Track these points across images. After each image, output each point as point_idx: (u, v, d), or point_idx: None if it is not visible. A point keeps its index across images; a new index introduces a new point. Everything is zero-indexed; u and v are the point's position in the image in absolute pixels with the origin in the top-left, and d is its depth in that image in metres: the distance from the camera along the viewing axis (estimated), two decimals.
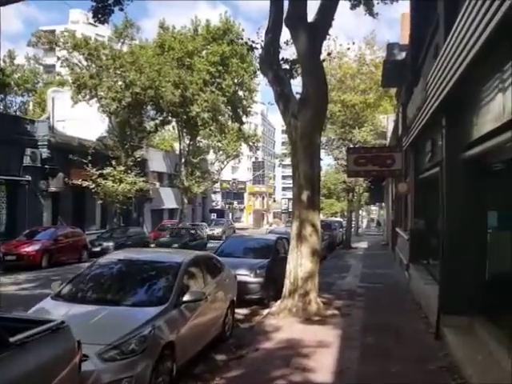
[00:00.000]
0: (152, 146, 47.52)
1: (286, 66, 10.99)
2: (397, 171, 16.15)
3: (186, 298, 6.31)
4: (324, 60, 10.89)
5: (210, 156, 55.30)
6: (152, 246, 28.10)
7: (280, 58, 10.84)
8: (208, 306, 7.22)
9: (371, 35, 29.59)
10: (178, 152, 39.10)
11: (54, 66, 49.45)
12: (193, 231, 27.69)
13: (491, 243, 7.42)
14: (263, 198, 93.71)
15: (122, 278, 7.02)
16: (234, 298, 8.88)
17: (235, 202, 62.96)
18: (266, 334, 8.35)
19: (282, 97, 9.87)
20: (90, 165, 26.13)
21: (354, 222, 44.49)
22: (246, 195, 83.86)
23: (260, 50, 10.89)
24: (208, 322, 7.30)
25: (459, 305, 7.41)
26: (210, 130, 40.26)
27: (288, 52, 13.16)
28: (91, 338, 5.19)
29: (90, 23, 41.22)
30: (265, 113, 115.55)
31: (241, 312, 10.55)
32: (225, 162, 57.71)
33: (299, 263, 9.55)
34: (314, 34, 9.29)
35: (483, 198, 7.45)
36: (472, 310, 7.29)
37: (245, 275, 11.17)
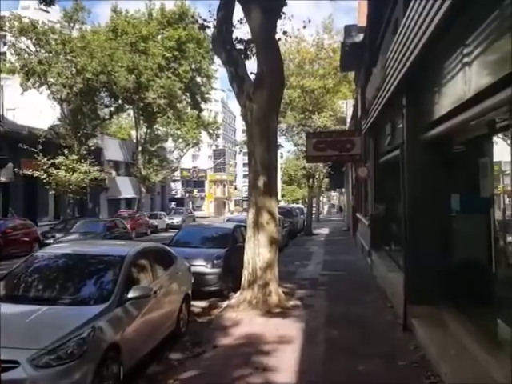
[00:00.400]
0: (108, 135, 46.23)
1: (241, 47, 10.44)
2: (356, 156, 15.91)
3: (130, 294, 5.72)
4: (279, 39, 10.36)
5: (169, 144, 54.32)
6: None
7: (234, 37, 10.29)
8: (158, 302, 6.68)
9: (329, 19, 29.34)
10: (135, 140, 38.04)
11: (5, 53, 47.22)
12: (110, 224, 22.87)
13: (454, 227, 7.17)
14: (224, 186, 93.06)
15: (60, 273, 6.33)
16: (189, 292, 8.36)
17: (195, 191, 62.10)
18: (224, 329, 7.88)
19: (236, 78, 9.34)
20: (40, 154, 24.93)
21: (314, 209, 44.54)
22: (206, 183, 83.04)
23: (212, 30, 10.31)
24: (159, 319, 6.76)
25: (426, 294, 7.13)
26: (168, 117, 39.42)
27: (242, 31, 12.57)
28: (23, 341, 4.66)
29: (42, 9, 39.08)
30: (225, 100, 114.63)
31: (198, 305, 10.06)
32: (184, 150, 56.80)
33: (257, 252, 9.11)
34: (268, 9, 8.77)
35: (445, 181, 7.18)
36: (439, 299, 7.02)
37: (201, 266, 10.67)
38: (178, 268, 8.05)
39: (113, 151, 38.05)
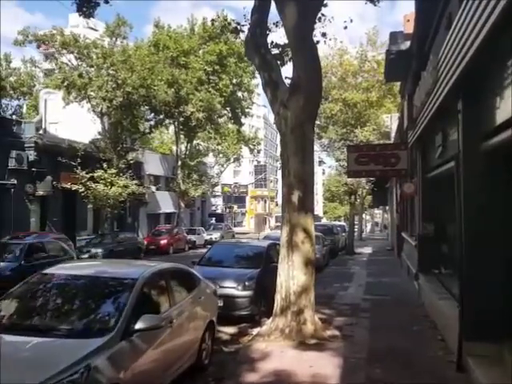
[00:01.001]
0: (150, 150, 46.44)
1: (276, 51, 9.69)
2: (402, 171, 14.80)
3: (138, 325, 4.87)
4: (318, 42, 9.53)
5: (210, 159, 54.14)
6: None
7: (269, 42, 9.56)
8: (176, 331, 5.86)
9: (373, 30, 28.34)
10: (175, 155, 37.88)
11: (53, 70, 48.46)
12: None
13: None
14: (265, 202, 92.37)
15: (59, 298, 5.56)
16: (214, 318, 7.53)
17: (235, 206, 61.54)
18: (251, 363, 6.99)
19: (270, 83, 8.56)
20: (79, 167, 24.91)
21: (357, 227, 43.07)
22: (247, 199, 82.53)
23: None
24: (176, 351, 5.93)
25: (486, 329, 6.02)
26: (209, 132, 39.14)
27: (278, 34, 11.81)
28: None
29: (90, 27, 40.00)
30: (267, 116, 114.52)
31: (227, 331, 9.24)
32: (225, 165, 56.51)
33: (291, 275, 8.21)
34: (305, 7, 7.98)
35: (510, 196, 6.11)
36: (502, 336, 5.90)
37: (231, 288, 9.87)
38: (201, 291, 7.24)
39: (153, 166, 38.01)
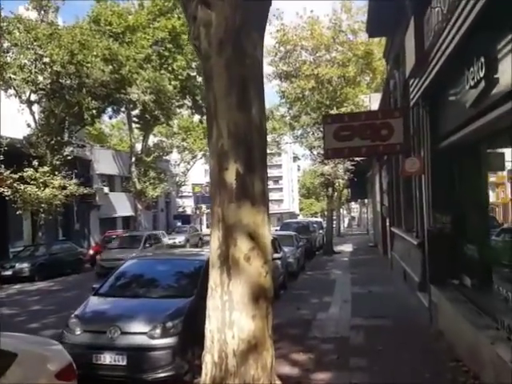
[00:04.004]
0: (108, 147, 42.02)
1: None
2: (396, 146, 11.02)
3: None
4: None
5: (175, 156, 49.90)
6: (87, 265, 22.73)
7: None
8: None
9: None
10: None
11: None
12: None
13: None
14: None
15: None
16: None
17: (203, 207, 57.39)
18: None
19: None
20: (1, 166, 20.56)
21: (335, 222, 39.50)
22: None
23: None
24: None
25: None
26: (168, 125, 34.98)
27: None
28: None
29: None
30: None
31: None
32: (191, 163, 52.31)
33: (228, 321, 4.28)
34: None
35: None
36: None
37: (142, 334, 5.92)
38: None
39: (105, 164, 33.62)
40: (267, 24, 4.99)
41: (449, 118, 7.67)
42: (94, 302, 6.69)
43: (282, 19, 24.25)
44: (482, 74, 5.43)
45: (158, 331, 5.91)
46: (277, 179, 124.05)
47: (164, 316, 6.07)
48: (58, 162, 22.54)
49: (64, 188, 22.31)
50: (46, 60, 20.91)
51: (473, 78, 5.82)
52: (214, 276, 4.48)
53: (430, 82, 7.32)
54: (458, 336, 6.86)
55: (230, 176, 4.42)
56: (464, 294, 7.50)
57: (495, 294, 6.32)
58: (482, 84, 5.44)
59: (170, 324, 5.99)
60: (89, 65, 20.89)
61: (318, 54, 24.50)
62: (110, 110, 29.76)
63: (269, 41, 24.08)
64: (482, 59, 5.38)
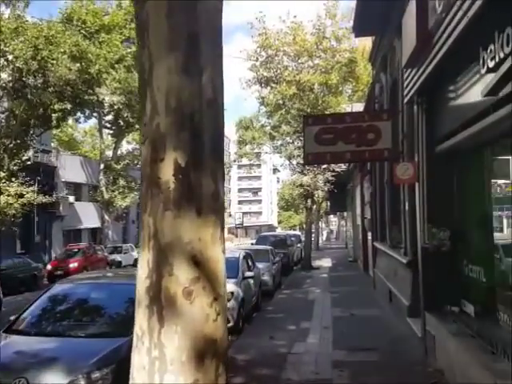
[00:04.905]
0: (79, 154, 40.21)
1: None
2: (384, 151, 9.78)
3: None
4: None
5: None
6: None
7: None
8: None
9: (333, 1, 23.48)
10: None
11: None
12: None
13: None
14: None
15: None
16: None
17: None
18: None
19: None
20: None
21: (313, 235, 38.28)
22: None
23: None
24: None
25: None
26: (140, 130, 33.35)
27: None
28: None
29: None
30: None
31: None
32: None
33: None
34: None
35: None
36: None
37: None
38: None
39: (73, 171, 31.74)
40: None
41: (450, 116, 6.44)
42: (3, 343, 5.14)
43: (264, 22, 23.16)
44: (508, 50, 4.19)
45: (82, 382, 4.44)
46: (256, 191, 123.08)
47: (89, 363, 4.58)
48: (15, 168, 20.78)
49: (21, 196, 20.54)
50: (10, 57, 19.30)
51: (492, 58, 4.59)
52: (141, 319, 3.01)
53: (432, 71, 6.07)
54: (465, 379, 5.56)
55: (167, 170, 2.99)
56: (469, 326, 6.21)
57: (505, 326, 5.10)
58: (508, 62, 4.20)
59: (96, 375, 4.50)
60: (54, 61, 19.30)
61: (300, 61, 23.43)
62: (80, 113, 28.20)
63: (250, 45, 22.95)
64: (509, 30, 4.15)
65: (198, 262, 2.93)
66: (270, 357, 7.61)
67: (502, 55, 4.34)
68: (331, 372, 6.69)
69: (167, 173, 2.98)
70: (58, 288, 6.38)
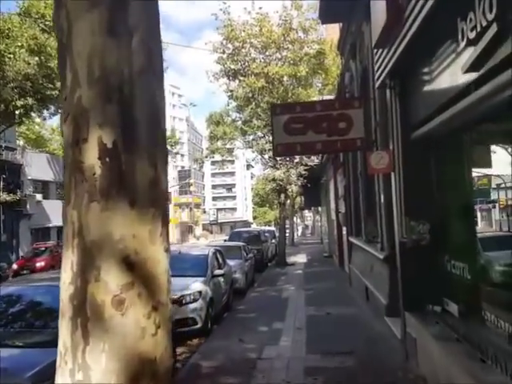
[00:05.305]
0: (47, 151, 38.91)
1: None
2: (357, 141, 9.28)
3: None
4: None
5: None
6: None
7: None
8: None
9: None
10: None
11: None
12: None
13: None
14: (190, 210, 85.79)
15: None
16: None
17: None
18: None
19: None
20: None
21: (288, 231, 37.83)
22: (171, 207, 75.70)
23: None
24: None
25: None
26: None
27: None
28: None
29: None
30: (191, 119, 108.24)
31: None
32: None
33: None
34: None
35: None
36: None
37: None
38: None
39: (39, 169, 30.70)
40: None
41: (426, 99, 5.94)
42: None
43: (229, 14, 22.51)
44: (491, 16, 3.66)
45: None
46: (230, 187, 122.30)
47: (27, 376, 3.93)
48: None
49: None
50: None
51: (473, 28, 4.07)
52: (64, 334, 2.39)
53: (404, 49, 5.54)
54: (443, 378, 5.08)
55: (91, 153, 2.37)
56: (453, 328, 5.73)
57: (493, 327, 4.63)
58: (493, 29, 3.67)
59: None
60: (11, 56, 18.28)
61: (267, 53, 22.85)
62: (44, 110, 27.06)
63: (216, 37, 22.22)
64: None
65: (132, 264, 2.32)
66: (239, 363, 7.03)
67: (484, 23, 3.82)
68: (303, 380, 6.13)
69: (91, 156, 2.35)
70: (1, 291, 5.65)
